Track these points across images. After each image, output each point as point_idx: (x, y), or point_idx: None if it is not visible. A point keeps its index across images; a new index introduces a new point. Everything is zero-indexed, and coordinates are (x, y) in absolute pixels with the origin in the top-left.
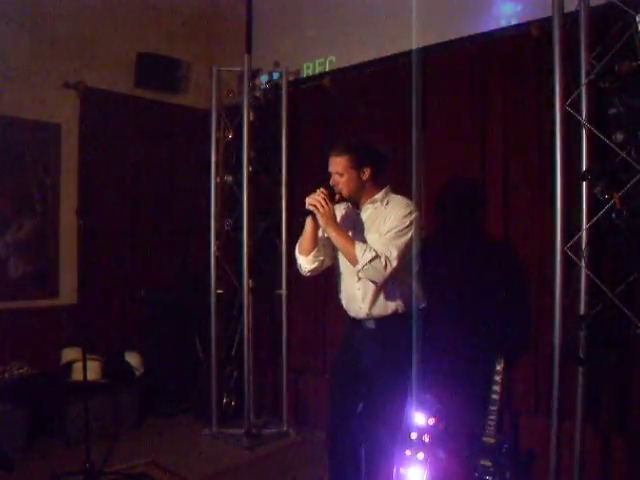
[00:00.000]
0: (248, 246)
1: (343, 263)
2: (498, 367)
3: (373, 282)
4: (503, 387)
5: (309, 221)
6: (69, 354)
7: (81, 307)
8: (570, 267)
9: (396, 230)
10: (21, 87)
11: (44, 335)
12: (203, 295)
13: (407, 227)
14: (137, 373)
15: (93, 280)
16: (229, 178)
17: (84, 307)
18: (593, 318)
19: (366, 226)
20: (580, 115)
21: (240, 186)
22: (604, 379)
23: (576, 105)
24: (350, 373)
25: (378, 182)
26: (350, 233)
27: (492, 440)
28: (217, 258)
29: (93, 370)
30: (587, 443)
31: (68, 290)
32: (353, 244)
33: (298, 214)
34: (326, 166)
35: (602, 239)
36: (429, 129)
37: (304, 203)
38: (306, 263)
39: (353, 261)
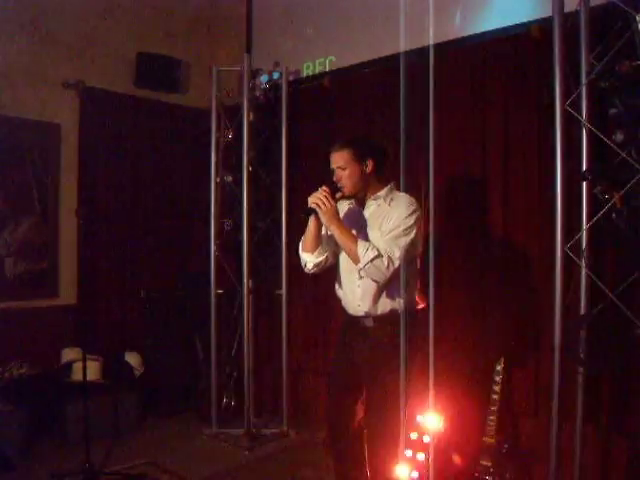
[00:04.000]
0: (248, 246)
1: (344, 260)
2: (498, 367)
3: (374, 281)
4: (503, 387)
5: (312, 219)
6: (69, 354)
7: (81, 307)
8: (570, 267)
9: (400, 229)
10: (21, 87)
11: (44, 335)
12: (203, 295)
13: (410, 227)
14: (137, 373)
15: (93, 280)
16: (229, 178)
17: (84, 307)
18: (593, 318)
19: (369, 223)
20: (580, 115)
21: (240, 186)
22: (604, 379)
23: (576, 105)
24: (347, 370)
25: (381, 177)
26: (354, 230)
27: (492, 440)
28: (217, 258)
29: (93, 370)
30: (587, 443)
31: (68, 290)
32: (356, 242)
33: (300, 212)
34: (326, 165)
35: (602, 239)
36: (429, 129)
37: (306, 202)
38: (310, 260)
39: (355, 259)
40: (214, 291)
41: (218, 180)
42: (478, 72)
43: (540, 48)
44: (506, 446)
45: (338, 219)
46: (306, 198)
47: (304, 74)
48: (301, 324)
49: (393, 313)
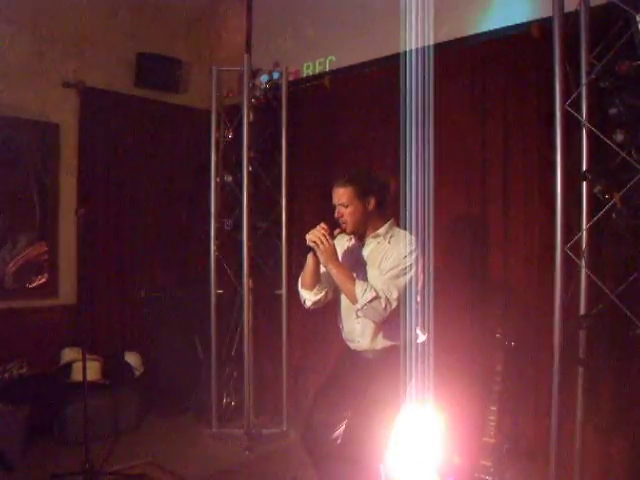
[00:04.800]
0: (248, 246)
1: (345, 297)
2: (498, 367)
3: (372, 321)
4: (503, 387)
5: (310, 257)
6: (69, 354)
7: (81, 307)
8: (570, 267)
9: (398, 269)
10: (21, 87)
11: (44, 335)
12: (203, 295)
13: (409, 266)
14: (137, 373)
15: (93, 280)
16: (229, 178)
17: (84, 307)
18: (593, 318)
19: (368, 262)
20: (580, 115)
21: (240, 186)
22: (604, 379)
23: (576, 105)
24: (337, 394)
25: (382, 213)
26: (352, 268)
27: (492, 440)
28: (217, 258)
29: (93, 370)
30: (587, 443)
31: (68, 290)
32: (354, 282)
33: (299, 251)
34: (326, 166)
35: (602, 239)
36: (429, 129)
37: (305, 239)
38: (309, 297)
39: (353, 299)
40: (214, 291)
41: (218, 180)
42: (478, 72)
43: (540, 48)
44: (506, 446)
45: (336, 258)
46: (306, 199)
47: (304, 74)
48: (301, 324)
49: (393, 348)
